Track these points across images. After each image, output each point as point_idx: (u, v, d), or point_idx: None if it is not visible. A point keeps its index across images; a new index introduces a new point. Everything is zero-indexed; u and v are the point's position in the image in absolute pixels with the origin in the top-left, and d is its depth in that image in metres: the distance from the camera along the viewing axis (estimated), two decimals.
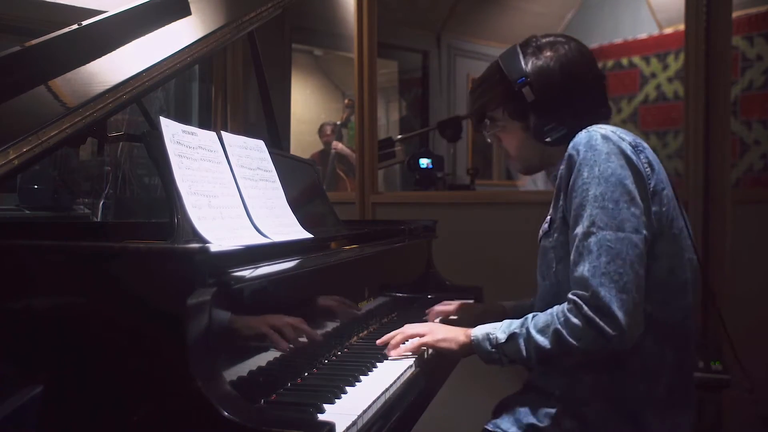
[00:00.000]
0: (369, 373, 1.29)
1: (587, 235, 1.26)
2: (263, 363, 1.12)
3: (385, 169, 4.06)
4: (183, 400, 0.91)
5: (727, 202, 2.45)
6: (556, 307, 1.29)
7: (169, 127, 1.19)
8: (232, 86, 3.30)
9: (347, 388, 1.17)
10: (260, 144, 1.50)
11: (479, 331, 1.37)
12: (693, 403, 1.40)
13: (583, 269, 1.24)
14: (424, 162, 3.30)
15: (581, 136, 1.32)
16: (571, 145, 1.33)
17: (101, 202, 2.50)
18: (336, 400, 1.11)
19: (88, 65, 1.36)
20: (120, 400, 0.95)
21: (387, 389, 1.20)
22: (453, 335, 1.41)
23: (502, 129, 1.51)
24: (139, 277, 0.97)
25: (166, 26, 1.59)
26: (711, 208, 2.46)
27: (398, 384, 1.27)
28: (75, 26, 1.48)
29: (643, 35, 4.40)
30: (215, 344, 0.97)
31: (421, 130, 4.94)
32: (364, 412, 1.07)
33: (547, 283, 1.42)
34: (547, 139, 1.42)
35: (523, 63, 1.42)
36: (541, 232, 1.46)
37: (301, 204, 1.61)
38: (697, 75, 2.48)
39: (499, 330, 1.34)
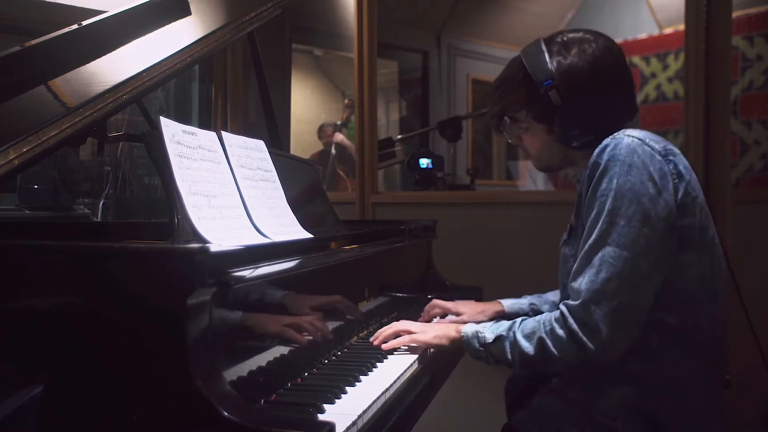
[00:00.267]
0: (369, 373, 1.29)
1: (593, 247, 1.23)
2: (263, 363, 1.12)
3: (385, 169, 4.06)
4: (183, 400, 0.91)
5: (727, 202, 2.45)
6: (545, 314, 1.29)
7: (169, 127, 1.19)
8: (232, 86, 3.29)
9: (347, 388, 1.17)
10: (260, 144, 1.50)
11: (470, 328, 1.37)
12: (723, 416, 1.34)
13: (582, 281, 1.23)
14: (424, 162, 3.30)
15: (607, 144, 1.26)
16: (595, 152, 1.27)
17: (101, 202, 2.49)
18: (336, 400, 1.11)
19: (88, 65, 1.36)
20: (120, 400, 0.95)
21: (387, 389, 1.20)
22: (444, 332, 1.42)
23: (525, 130, 1.43)
24: (139, 277, 0.97)
25: (166, 26, 1.59)
26: (711, 209, 2.45)
27: (398, 384, 1.27)
28: (75, 26, 1.48)
29: (643, 35, 4.39)
30: (215, 344, 0.97)
31: (421, 130, 4.94)
32: (364, 412, 1.07)
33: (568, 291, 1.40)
34: (574, 144, 1.36)
35: (549, 63, 1.33)
36: (562, 239, 1.44)
37: (301, 204, 1.61)
38: (697, 75, 2.48)
39: (488, 330, 1.34)
